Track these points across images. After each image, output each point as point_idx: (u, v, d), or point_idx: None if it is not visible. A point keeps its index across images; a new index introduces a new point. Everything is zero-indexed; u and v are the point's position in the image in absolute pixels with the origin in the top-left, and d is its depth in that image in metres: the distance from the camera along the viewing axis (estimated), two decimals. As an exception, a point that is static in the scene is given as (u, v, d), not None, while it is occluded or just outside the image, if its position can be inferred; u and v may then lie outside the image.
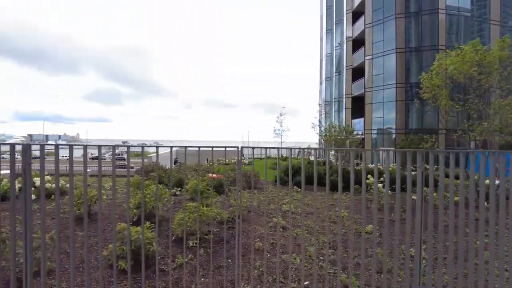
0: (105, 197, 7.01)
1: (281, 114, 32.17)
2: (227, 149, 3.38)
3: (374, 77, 29.17)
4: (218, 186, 8.56)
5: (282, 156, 25.62)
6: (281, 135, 32.31)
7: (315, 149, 4.90)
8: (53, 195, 7.41)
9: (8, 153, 3.01)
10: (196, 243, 4.83)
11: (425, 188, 3.91)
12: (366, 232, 5.87)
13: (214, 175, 9.68)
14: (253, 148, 3.53)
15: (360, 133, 29.84)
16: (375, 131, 29.40)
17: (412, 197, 5.14)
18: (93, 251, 4.65)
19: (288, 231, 5.88)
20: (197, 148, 3.33)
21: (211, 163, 23.45)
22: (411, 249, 5.03)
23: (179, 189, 8.83)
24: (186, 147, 3.56)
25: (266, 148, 3.58)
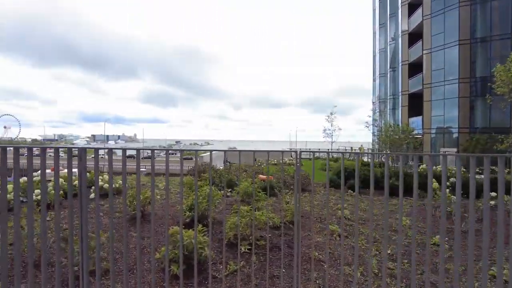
0: (158, 197, 7.13)
1: (331, 113, 31.24)
2: (285, 152, 3.11)
3: (434, 72, 27.01)
4: (266, 188, 8.34)
5: (332, 157, 24.75)
6: (332, 135, 31.30)
7: (385, 154, 4.42)
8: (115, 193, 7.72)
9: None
10: (248, 249, 4.61)
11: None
12: (432, 244, 5.22)
13: (264, 176, 9.46)
14: (312, 152, 3.20)
15: (417, 132, 27.84)
16: (434, 130, 27.22)
17: (490, 202, 4.45)
18: (146, 253, 4.63)
19: (344, 239, 5.44)
20: (251, 150, 3.11)
21: (259, 164, 23.39)
22: (492, 268, 4.33)
23: (229, 190, 8.76)
24: (240, 151, 3.36)
25: (328, 151, 3.23)
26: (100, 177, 8.46)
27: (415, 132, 24.98)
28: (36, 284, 3.64)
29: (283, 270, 4.21)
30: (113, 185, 7.50)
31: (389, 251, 4.96)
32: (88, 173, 3.33)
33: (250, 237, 4.80)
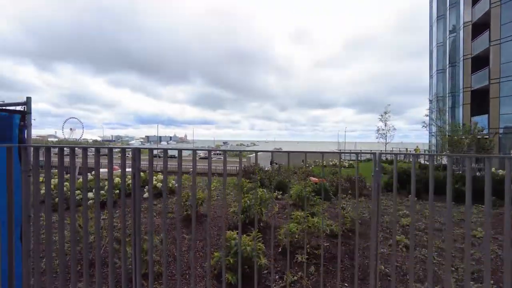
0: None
1: (385, 113, 29.51)
2: (362, 154, 2.72)
3: (503, 65, 24.30)
4: (319, 191, 7.83)
5: (386, 159, 23.37)
6: (386, 136, 29.55)
7: (450, 155, 3.82)
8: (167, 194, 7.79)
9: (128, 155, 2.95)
10: (304, 258, 4.25)
11: None
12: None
13: (316, 179, 9.01)
14: (396, 154, 2.79)
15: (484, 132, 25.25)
16: (502, 130, 24.51)
17: None
18: (199, 257, 4.47)
19: (412, 251, 4.85)
20: (302, 151, 2.77)
21: (307, 165, 22.77)
22: None
23: (280, 192, 8.42)
24: (288, 152, 3.02)
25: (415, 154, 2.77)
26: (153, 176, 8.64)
27: (484, 131, 22.63)
28: (92, 283, 3.62)
29: (346, 284, 3.80)
30: (166, 185, 7.55)
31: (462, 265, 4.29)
32: (141, 173, 3.22)
33: (308, 246, 4.43)
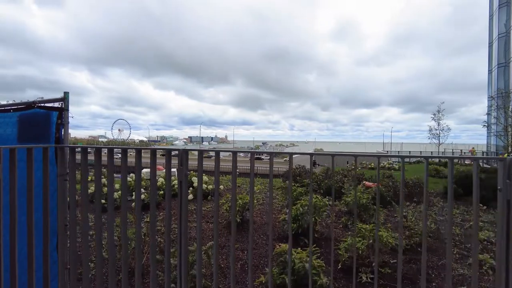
0: (255, 201, 6.59)
1: (438, 111, 27.32)
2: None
3: None
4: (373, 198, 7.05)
5: (440, 161, 21.56)
6: (439, 136, 27.33)
7: None
8: (209, 196, 7.54)
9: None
10: (370, 278, 3.65)
11: None
12: None
13: (371, 183, 8.24)
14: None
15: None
16: None
17: None
18: (246, 270, 4.02)
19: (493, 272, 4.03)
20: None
21: (352, 168, 21.76)
22: None
23: (330, 198, 7.75)
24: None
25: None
26: (195, 177, 8.37)
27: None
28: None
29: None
30: (205, 187, 7.19)
31: None
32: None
33: (372, 263, 3.81)
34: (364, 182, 8.63)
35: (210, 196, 7.42)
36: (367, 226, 3.95)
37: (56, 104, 2.58)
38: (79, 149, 2.43)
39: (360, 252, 3.83)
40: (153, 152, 2.31)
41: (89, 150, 2.46)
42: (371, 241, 3.74)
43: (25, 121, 2.68)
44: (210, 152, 2.55)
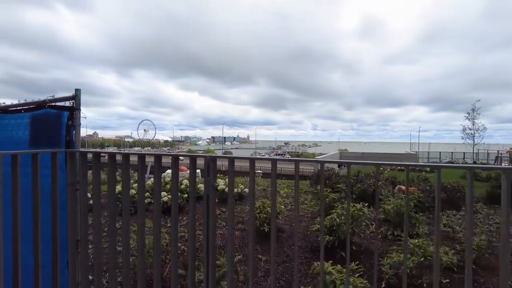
0: (283, 206, 6.14)
1: (473, 110, 25.74)
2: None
3: None
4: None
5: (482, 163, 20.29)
6: (474, 136, 25.76)
7: None
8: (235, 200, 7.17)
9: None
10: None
11: None
12: None
13: (405, 187, 7.58)
14: None
15: None
16: None
17: None
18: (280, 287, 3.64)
19: None
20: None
21: (381, 171, 20.90)
22: None
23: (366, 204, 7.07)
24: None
25: None
26: (222, 180, 8.07)
27: None
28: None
29: None
30: (234, 191, 6.84)
31: None
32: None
33: (424, 284, 3.31)
34: (400, 186, 8.01)
35: (236, 201, 7.07)
36: (416, 241, 3.46)
37: (68, 103, 2.30)
38: (91, 154, 2.13)
39: (407, 271, 3.35)
40: (176, 158, 1.97)
41: (102, 155, 2.16)
42: (422, 259, 3.25)
43: (37, 123, 2.42)
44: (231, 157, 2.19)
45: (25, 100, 2.54)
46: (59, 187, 2.11)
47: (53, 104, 2.35)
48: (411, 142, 75.69)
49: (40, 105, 2.37)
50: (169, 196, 6.61)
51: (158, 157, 2.02)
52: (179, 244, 4.10)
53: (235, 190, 6.93)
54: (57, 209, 2.10)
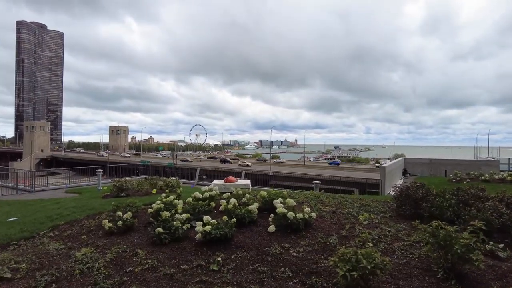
0: (378, 254, 4.30)
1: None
2: None
3: None
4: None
5: None
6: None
7: None
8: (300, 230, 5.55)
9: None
10: None
11: None
12: None
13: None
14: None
15: None
16: None
17: None
18: None
19: None
20: None
21: (455, 178, 17.84)
22: None
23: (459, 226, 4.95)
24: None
25: None
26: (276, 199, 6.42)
27: None
28: None
29: None
30: (291, 214, 5.21)
31: None
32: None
33: None
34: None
35: (302, 231, 5.23)
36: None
37: None
38: None
39: None
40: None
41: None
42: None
43: None
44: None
45: None
46: None
47: None
48: (476, 146, 67.45)
49: None
50: (214, 222, 5.07)
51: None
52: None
53: (300, 215, 5.21)
54: None
